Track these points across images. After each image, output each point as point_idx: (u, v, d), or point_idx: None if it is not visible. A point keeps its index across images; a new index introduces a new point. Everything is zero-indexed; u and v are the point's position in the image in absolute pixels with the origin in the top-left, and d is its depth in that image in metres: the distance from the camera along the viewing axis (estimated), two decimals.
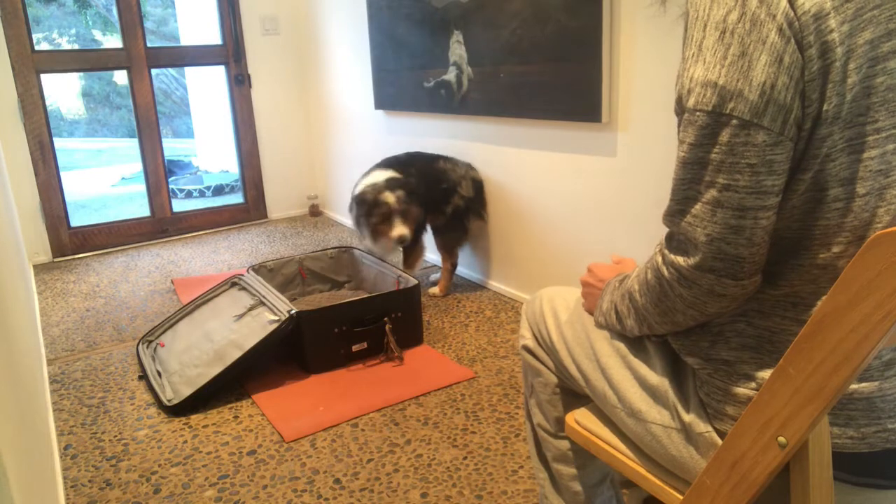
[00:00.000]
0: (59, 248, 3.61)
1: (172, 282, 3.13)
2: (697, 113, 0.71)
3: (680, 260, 0.76)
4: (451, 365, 2.16)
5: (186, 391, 1.96)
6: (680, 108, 0.75)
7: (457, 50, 2.68)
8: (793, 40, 0.66)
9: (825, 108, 0.67)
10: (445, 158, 2.79)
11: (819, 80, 0.67)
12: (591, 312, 1.04)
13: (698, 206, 0.73)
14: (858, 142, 0.69)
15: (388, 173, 2.62)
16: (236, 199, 4.37)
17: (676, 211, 0.76)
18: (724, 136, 0.69)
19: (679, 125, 0.75)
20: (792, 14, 0.66)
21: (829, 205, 0.71)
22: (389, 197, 2.49)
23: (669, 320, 0.83)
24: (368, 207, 2.52)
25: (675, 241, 0.78)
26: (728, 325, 0.81)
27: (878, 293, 0.57)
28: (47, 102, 3.49)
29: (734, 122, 0.68)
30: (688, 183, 0.74)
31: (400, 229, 2.48)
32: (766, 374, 0.77)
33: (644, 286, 0.84)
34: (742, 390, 0.79)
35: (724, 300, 0.76)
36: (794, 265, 0.75)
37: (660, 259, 0.81)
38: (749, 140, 0.68)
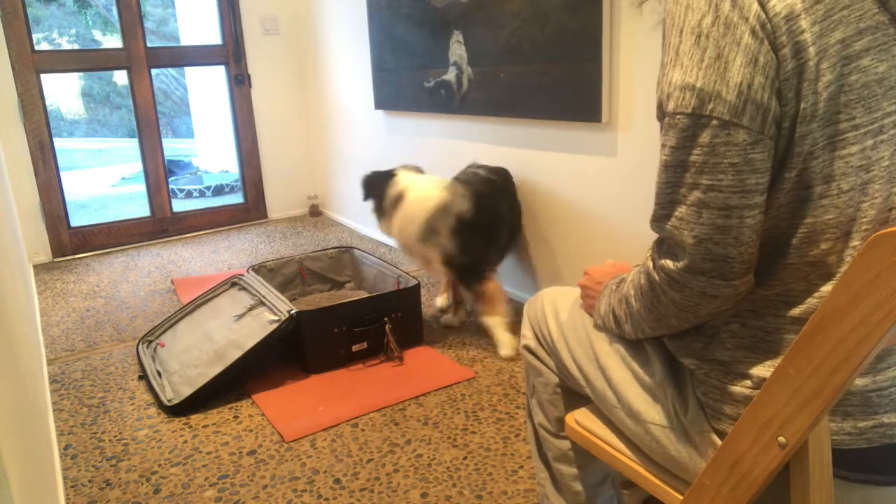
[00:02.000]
0: (59, 248, 3.61)
1: (172, 282, 3.13)
2: (678, 116, 0.72)
3: (669, 264, 0.77)
4: (451, 365, 2.16)
5: (186, 391, 1.96)
6: (661, 114, 0.76)
7: (457, 50, 2.68)
8: (766, 41, 0.68)
9: (802, 106, 0.69)
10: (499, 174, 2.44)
11: (794, 80, 0.68)
12: (591, 314, 1.05)
13: (683, 209, 0.74)
14: (839, 139, 0.70)
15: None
16: (236, 199, 4.37)
17: (662, 215, 0.77)
18: (705, 137, 0.70)
19: (661, 130, 0.76)
20: (764, 16, 0.67)
21: (816, 202, 0.72)
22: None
23: (664, 325, 0.84)
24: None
25: (664, 246, 0.79)
26: (722, 327, 0.81)
27: (878, 293, 0.57)
28: (47, 102, 3.49)
29: (714, 122, 0.69)
30: (671, 186, 0.75)
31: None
32: (761, 371, 0.77)
33: (638, 291, 0.85)
34: (739, 389, 0.79)
35: (716, 301, 0.76)
36: (784, 264, 0.75)
37: (651, 264, 0.81)
38: (730, 140, 0.69)
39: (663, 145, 0.75)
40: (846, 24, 0.69)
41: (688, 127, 0.71)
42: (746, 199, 0.71)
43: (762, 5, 0.68)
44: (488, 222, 2.22)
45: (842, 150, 0.70)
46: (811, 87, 0.68)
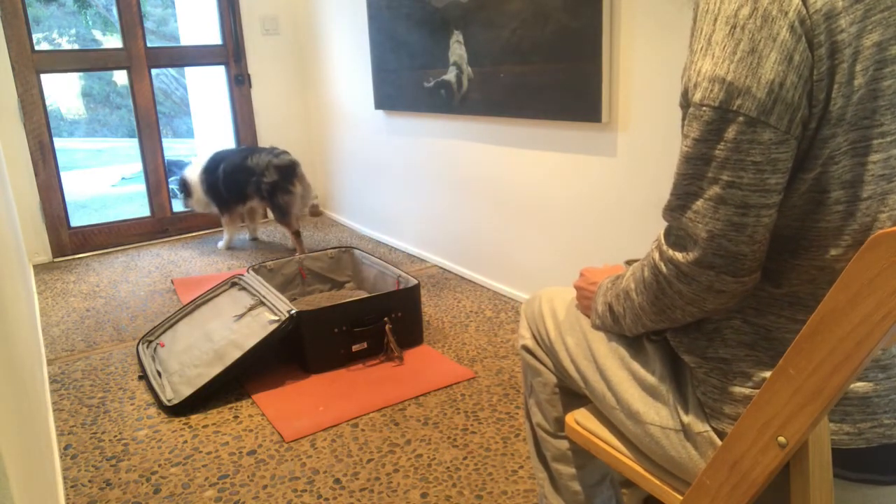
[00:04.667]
0: (59, 248, 3.61)
1: (172, 282, 3.13)
2: (704, 108, 0.70)
3: (679, 256, 0.76)
4: (451, 365, 2.16)
5: (186, 391, 1.96)
6: (685, 102, 0.74)
7: (457, 50, 2.68)
8: (803, 38, 0.66)
9: (830, 108, 0.67)
10: (253, 153, 3.42)
11: (826, 81, 0.67)
12: (587, 315, 1.04)
13: (700, 202, 0.72)
14: (863, 145, 0.68)
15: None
16: None
17: (677, 206, 0.76)
18: (730, 132, 0.69)
19: (683, 118, 0.75)
20: (804, 12, 0.65)
21: (830, 207, 0.70)
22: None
23: (667, 317, 0.82)
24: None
25: (673, 237, 0.78)
26: (724, 323, 0.81)
27: (878, 293, 0.57)
28: (47, 102, 3.49)
29: (741, 119, 0.68)
30: (690, 178, 0.73)
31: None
32: (762, 372, 0.77)
33: (640, 284, 0.84)
34: (738, 389, 0.79)
35: (723, 296, 0.75)
36: (794, 265, 0.74)
37: (657, 255, 0.80)
38: (755, 138, 0.68)
39: (685, 135, 0.73)
40: (885, 26, 0.67)
41: (713, 120, 0.69)
42: (765, 198, 0.69)
43: (803, 0, 0.65)
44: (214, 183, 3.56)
45: (865, 157, 0.68)
46: (841, 89, 0.66)
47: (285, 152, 3.43)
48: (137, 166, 4.34)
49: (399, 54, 3.07)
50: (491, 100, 2.56)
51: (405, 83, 3.08)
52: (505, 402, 1.92)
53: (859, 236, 0.70)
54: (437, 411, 1.89)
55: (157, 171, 3.87)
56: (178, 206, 4.05)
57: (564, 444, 1.14)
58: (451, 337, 2.39)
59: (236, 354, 1.99)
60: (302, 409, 1.93)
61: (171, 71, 8.96)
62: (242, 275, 2.46)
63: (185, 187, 3.64)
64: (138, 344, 2.35)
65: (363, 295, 2.60)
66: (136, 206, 5.22)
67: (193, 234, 4.03)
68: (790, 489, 0.72)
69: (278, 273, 2.66)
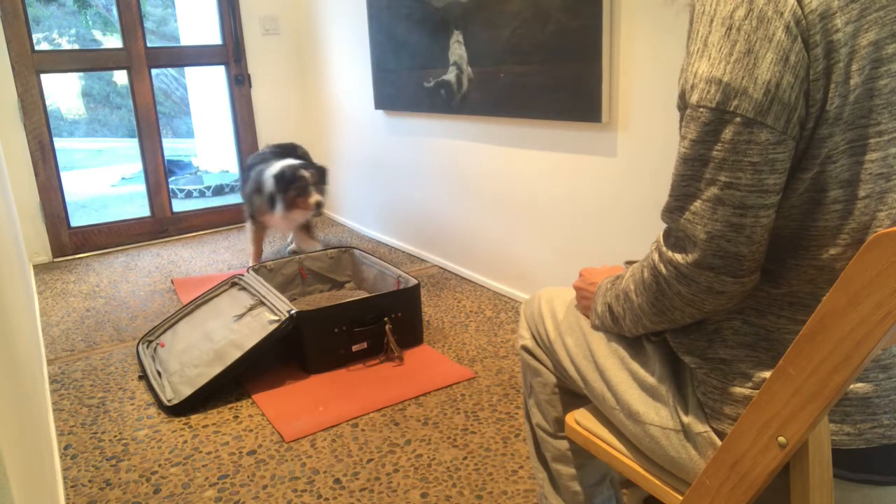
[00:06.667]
0: (59, 248, 3.61)
1: (172, 282, 3.13)
2: (701, 109, 0.70)
3: (678, 257, 0.76)
4: (451, 365, 2.16)
5: (186, 391, 1.96)
6: (683, 104, 0.74)
7: (457, 50, 2.68)
8: (799, 39, 0.66)
9: (827, 108, 0.67)
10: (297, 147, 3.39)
11: (823, 80, 0.67)
12: (587, 316, 1.04)
13: (698, 203, 0.73)
14: (860, 144, 0.69)
15: (293, 161, 3.10)
16: (236, 199, 4.36)
17: (676, 207, 0.76)
18: (727, 133, 0.69)
19: (681, 120, 0.75)
20: (800, 12, 0.65)
21: (828, 206, 0.70)
22: (306, 173, 2.99)
23: (667, 318, 0.82)
24: (287, 183, 2.97)
25: (672, 238, 0.78)
26: (725, 323, 0.81)
27: (878, 293, 0.57)
28: (47, 102, 3.49)
29: (738, 119, 0.68)
30: (688, 179, 0.74)
31: (317, 196, 3.02)
32: (762, 373, 0.77)
33: (640, 285, 0.84)
34: (739, 389, 0.79)
35: (722, 297, 0.75)
36: (793, 265, 0.74)
37: (656, 257, 0.80)
38: (752, 138, 0.68)
39: (683, 137, 0.73)
40: (881, 25, 0.67)
41: (710, 121, 0.70)
42: (763, 198, 0.69)
43: (798, 1, 0.65)
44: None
45: (862, 156, 0.69)
46: (837, 89, 0.66)
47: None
48: (137, 166, 4.34)
49: (399, 54, 3.07)
50: (491, 100, 2.56)
51: (405, 83, 3.08)
52: (505, 402, 1.92)
53: (858, 235, 0.70)
54: (437, 411, 1.89)
55: (157, 171, 3.87)
56: (178, 206, 4.05)
57: (564, 445, 1.14)
58: (451, 337, 2.39)
59: (236, 354, 1.99)
60: (302, 409, 1.93)
61: (171, 71, 8.97)
62: (242, 275, 2.46)
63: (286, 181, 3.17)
64: (138, 344, 2.35)
65: (363, 295, 2.60)
66: (136, 206, 5.22)
67: (193, 234, 4.03)
68: (790, 489, 0.72)
69: (278, 273, 2.66)
